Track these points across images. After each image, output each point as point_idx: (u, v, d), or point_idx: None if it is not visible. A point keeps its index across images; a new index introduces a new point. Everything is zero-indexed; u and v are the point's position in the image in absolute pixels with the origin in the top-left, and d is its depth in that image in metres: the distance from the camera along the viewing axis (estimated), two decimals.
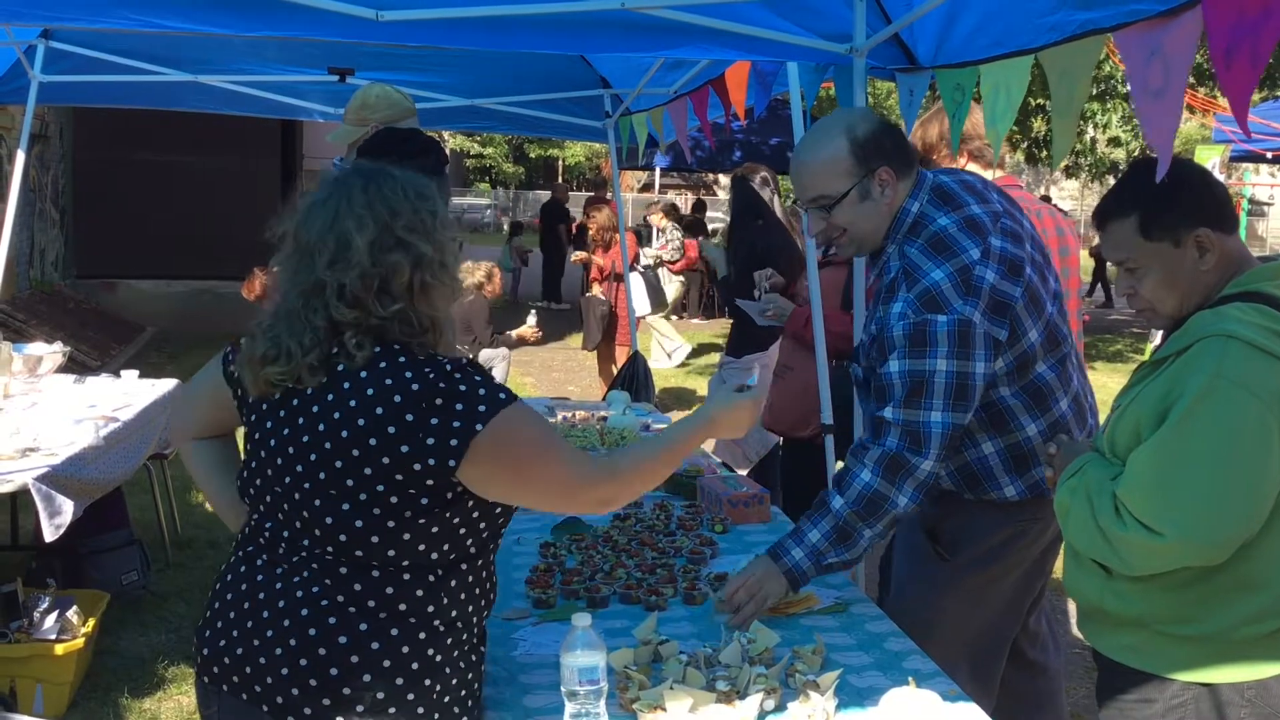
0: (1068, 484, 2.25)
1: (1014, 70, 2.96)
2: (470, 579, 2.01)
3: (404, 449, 1.87)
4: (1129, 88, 2.52)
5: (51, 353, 5.63)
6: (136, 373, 5.68)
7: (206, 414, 2.23)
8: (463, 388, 1.89)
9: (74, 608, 4.16)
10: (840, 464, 4.26)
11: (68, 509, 3.87)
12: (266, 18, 3.45)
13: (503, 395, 1.91)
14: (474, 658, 2.05)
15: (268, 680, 1.91)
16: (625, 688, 2.15)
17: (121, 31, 3.73)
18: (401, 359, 1.92)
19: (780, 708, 2.13)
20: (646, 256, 12.84)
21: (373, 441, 1.87)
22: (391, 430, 1.87)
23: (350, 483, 1.89)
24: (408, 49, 5.00)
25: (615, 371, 8.93)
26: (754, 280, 5.04)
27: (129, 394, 5.19)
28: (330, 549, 1.93)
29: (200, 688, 2.06)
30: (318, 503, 1.92)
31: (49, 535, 3.81)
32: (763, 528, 3.33)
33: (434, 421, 1.87)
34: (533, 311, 8.78)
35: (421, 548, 1.93)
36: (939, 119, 3.64)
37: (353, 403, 1.89)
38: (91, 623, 4.22)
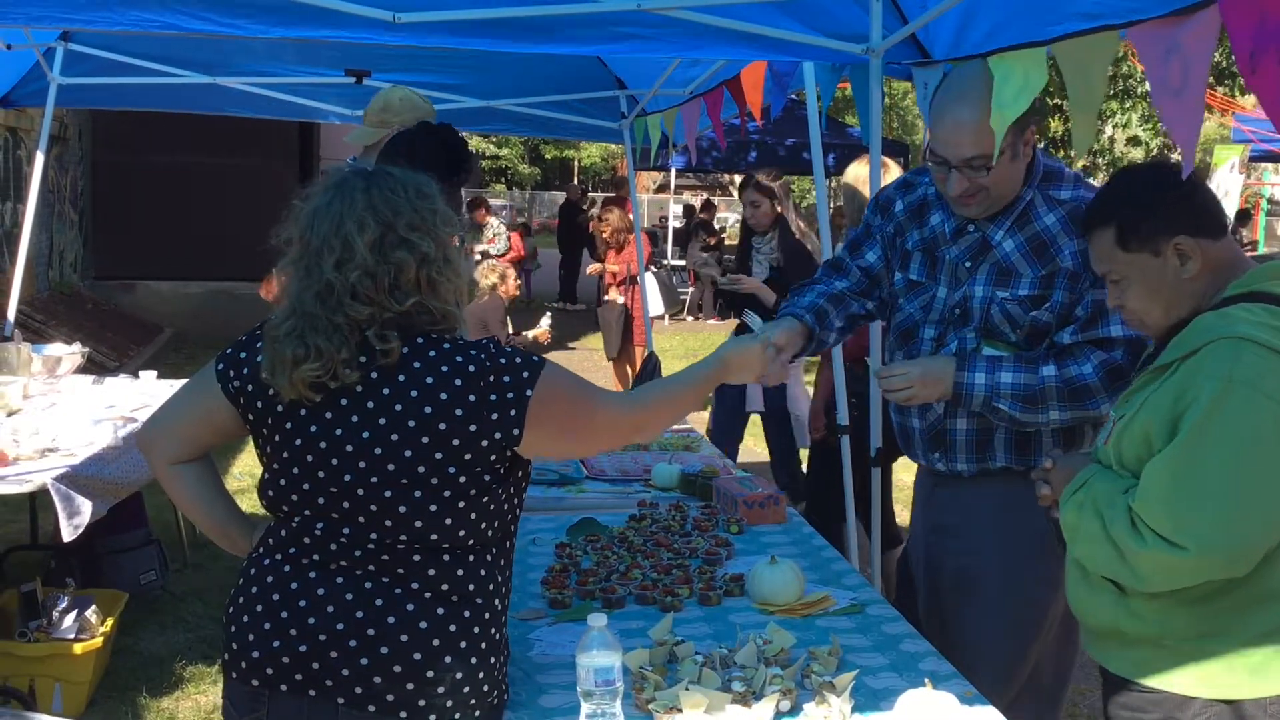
0: (1073, 499, 2.18)
1: (1031, 59, 2.84)
2: (504, 560, 2.13)
3: (472, 428, 1.97)
4: (1148, 86, 2.50)
5: (70, 353, 5.65)
6: (155, 373, 5.70)
7: (194, 437, 2.20)
8: (503, 360, 2.01)
9: (92, 607, 4.18)
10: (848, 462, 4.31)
11: (86, 509, 3.89)
12: (284, 20, 3.47)
13: (535, 359, 2.06)
14: (506, 630, 2.16)
15: (344, 673, 1.95)
16: (641, 688, 2.15)
17: (140, 34, 3.75)
18: (446, 346, 2.01)
19: (796, 709, 2.12)
20: (474, 252, 12.78)
21: (442, 426, 1.96)
22: (459, 413, 1.97)
23: (422, 469, 1.97)
24: (424, 50, 5.02)
25: (630, 372, 8.94)
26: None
27: (147, 395, 5.21)
28: (404, 537, 1.99)
29: (238, 692, 2.04)
30: (389, 494, 1.97)
31: (68, 535, 3.83)
32: (778, 529, 3.32)
33: (493, 398, 1.98)
34: (547, 314, 8.79)
35: (483, 526, 2.04)
36: None
37: (414, 393, 1.97)
38: (110, 622, 4.24)
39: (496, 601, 2.08)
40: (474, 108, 6.32)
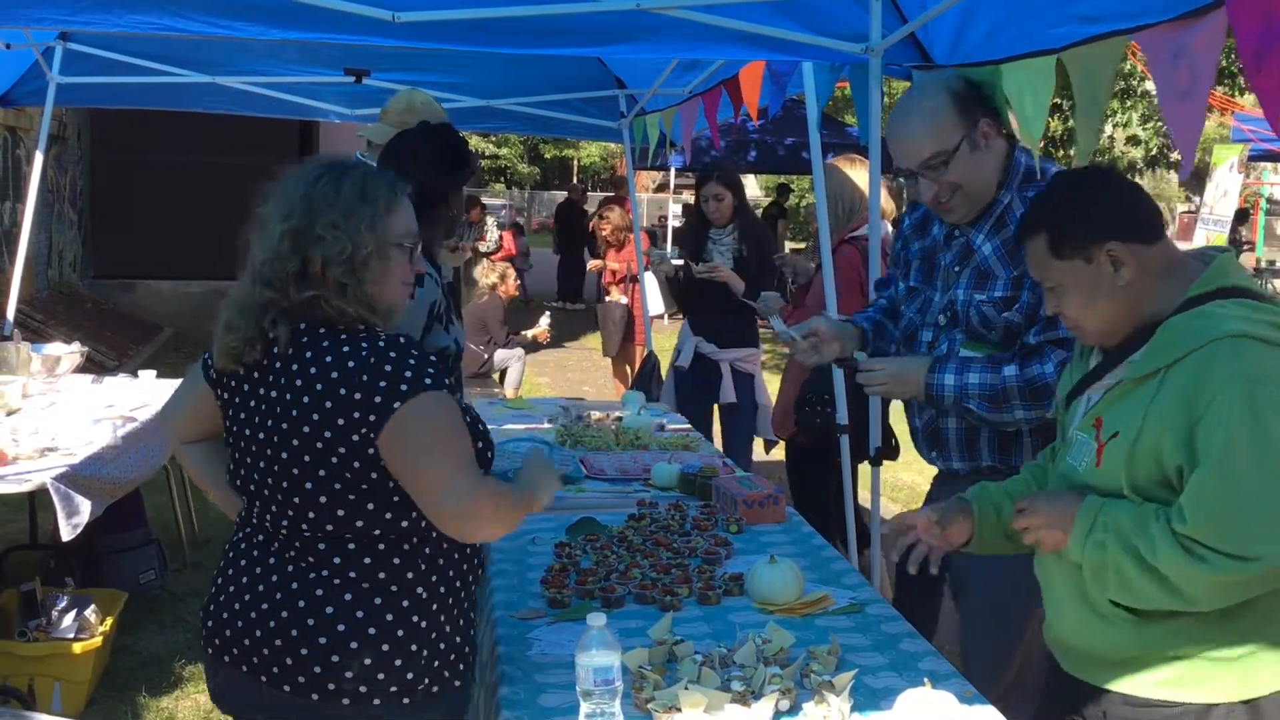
0: (1091, 540, 2.07)
1: (1039, 71, 2.91)
2: (447, 545, 2.12)
3: (340, 422, 1.99)
4: (1152, 87, 2.51)
5: (70, 353, 5.65)
6: (154, 373, 5.70)
7: (195, 417, 2.31)
8: (388, 366, 1.99)
9: (92, 607, 4.18)
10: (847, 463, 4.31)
11: (85, 509, 3.89)
12: (283, 20, 3.47)
13: (427, 380, 2.01)
14: (463, 623, 2.17)
15: (264, 652, 2.05)
16: (640, 688, 2.15)
17: (139, 35, 3.75)
18: (343, 337, 2.04)
19: (795, 708, 2.13)
20: (468, 250, 12.76)
21: (315, 417, 2.00)
22: (329, 405, 1.99)
23: (307, 459, 2.02)
24: (424, 50, 5.02)
25: (630, 372, 8.93)
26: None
27: (147, 394, 5.21)
28: (305, 527, 2.06)
29: (205, 659, 2.22)
30: (285, 484, 2.05)
31: (66, 535, 3.83)
32: (778, 528, 3.32)
33: (359, 396, 1.98)
34: (546, 313, 8.78)
35: (389, 516, 2.05)
36: None
37: (298, 382, 2.02)
38: (109, 622, 4.25)
39: (421, 590, 2.08)
40: (473, 107, 6.32)
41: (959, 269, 2.87)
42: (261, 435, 2.07)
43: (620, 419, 4.68)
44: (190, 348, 12.43)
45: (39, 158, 6.20)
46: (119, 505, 4.45)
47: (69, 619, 4.09)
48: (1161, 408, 2.01)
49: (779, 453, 7.21)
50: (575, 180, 34.24)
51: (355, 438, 2.00)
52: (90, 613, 4.15)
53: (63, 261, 12.54)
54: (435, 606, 2.10)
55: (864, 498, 4.74)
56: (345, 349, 2.02)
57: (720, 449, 4.96)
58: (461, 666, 2.17)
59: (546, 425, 4.61)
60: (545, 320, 8.62)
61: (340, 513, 2.04)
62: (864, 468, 4.23)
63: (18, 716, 2.89)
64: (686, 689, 2.09)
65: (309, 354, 2.03)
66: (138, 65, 5.56)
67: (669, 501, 3.49)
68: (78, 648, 4.01)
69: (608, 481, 3.81)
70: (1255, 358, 1.95)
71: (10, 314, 6.15)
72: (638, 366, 7.59)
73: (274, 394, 2.05)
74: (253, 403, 2.10)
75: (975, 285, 2.82)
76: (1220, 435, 1.93)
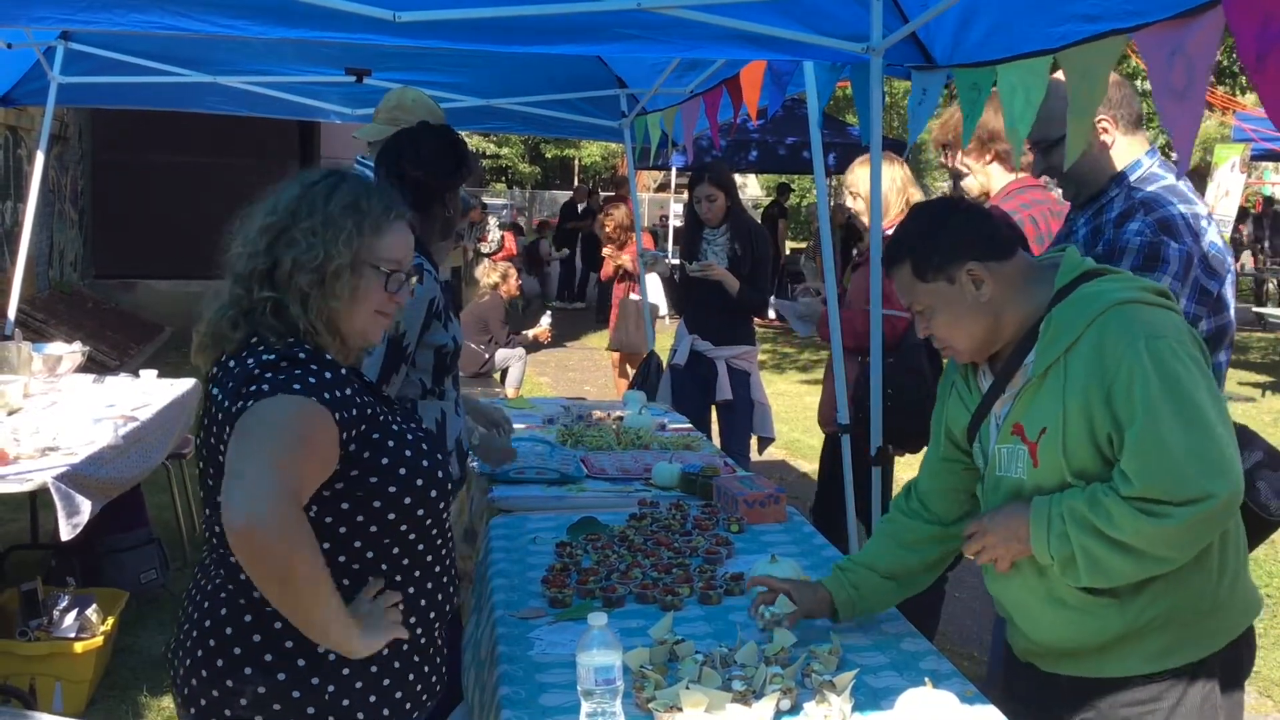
0: (1052, 537, 2.11)
1: (1032, 71, 2.94)
2: (370, 578, 1.99)
3: (224, 431, 1.91)
4: (1148, 86, 2.51)
5: (71, 352, 5.66)
6: (155, 372, 5.70)
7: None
8: (256, 370, 1.90)
9: (93, 606, 4.18)
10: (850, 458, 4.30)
11: (85, 508, 3.89)
12: (284, 20, 3.47)
13: (296, 386, 1.87)
14: (396, 664, 2.01)
15: (180, 671, 2.00)
16: (641, 687, 2.15)
17: (140, 34, 3.75)
18: (260, 349, 1.96)
19: (796, 708, 2.13)
20: (469, 250, 12.73)
21: (216, 428, 1.95)
22: (219, 415, 1.94)
23: (213, 470, 1.96)
24: (425, 50, 5.02)
25: (632, 372, 8.92)
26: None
27: (148, 393, 5.21)
28: (219, 536, 1.97)
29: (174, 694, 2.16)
30: (201, 494, 2.03)
31: (66, 534, 3.83)
32: (779, 527, 3.33)
33: (226, 403, 1.92)
34: (548, 313, 8.77)
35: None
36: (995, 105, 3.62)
37: (215, 389, 1.99)
38: (110, 621, 4.25)
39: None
40: (474, 106, 6.32)
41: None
42: (201, 434, 2.05)
43: (621, 418, 4.68)
44: (190, 347, 12.43)
45: (40, 157, 6.20)
46: (120, 505, 4.45)
47: (70, 618, 4.09)
48: (1075, 388, 2.09)
49: (778, 452, 7.24)
50: (576, 179, 34.22)
51: (224, 433, 1.93)
52: (91, 612, 4.15)
53: (64, 261, 12.55)
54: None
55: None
56: (248, 359, 1.94)
57: (718, 447, 4.96)
58: (388, 713, 2.01)
59: (547, 425, 4.62)
60: (546, 320, 8.62)
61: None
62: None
63: (19, 716, 2.89)
64: (688, 688, 2.09)
65: (231, 362, 1.99)
66: (139, 65, 5.56)
67: (670, 501, 3.50)
68: (79, 647, 4.01)
69: (609, 481, 3.81)
70: (1142, 317, 2.07)
71: (11, 313, 6.15)
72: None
73: (209, 397, 2.02)
74: (206, 399, 2.07)
75: None
76: (1137, 392, 2.02)
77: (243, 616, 1.95)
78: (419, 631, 2.07)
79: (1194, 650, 2.17)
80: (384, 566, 2.04)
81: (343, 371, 2.00)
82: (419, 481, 2.04)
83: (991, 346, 2.27)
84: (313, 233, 1.99)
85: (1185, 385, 2.02)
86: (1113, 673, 2.20)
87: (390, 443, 2.02)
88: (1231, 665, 2.24)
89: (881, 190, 4.00)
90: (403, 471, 2.02)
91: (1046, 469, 2.16)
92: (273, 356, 1.93)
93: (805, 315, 4.80)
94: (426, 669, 2.11)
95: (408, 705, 2.06)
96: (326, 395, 1.90)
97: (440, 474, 2.11)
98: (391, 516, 2.01)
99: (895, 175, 4.53)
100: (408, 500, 2.02)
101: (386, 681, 2.02)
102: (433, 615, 2.11)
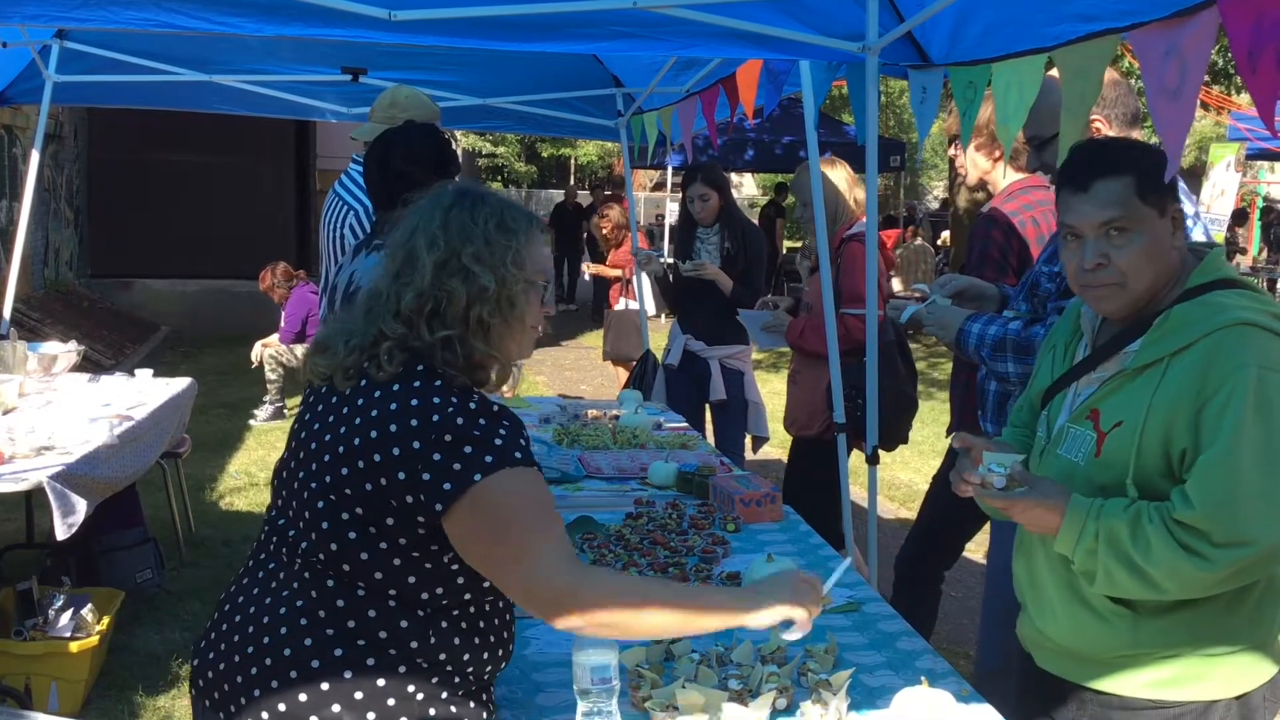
0: (1082, 547, 2.03)
1: (1027, 69, 2.95)
2: (465, 625, 1.92)
3: (400, 475, 1.81)
4: (1143, 85, 2.52)
5: (66, 352, 5.65)
6: (151, 371, 5.69)
7: None
8: (477, 432, 1.81)
9: (89, 606, 4.17)
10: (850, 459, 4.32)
11: (81, 508, 3.88)
12: (280, 18, 3.47)
13: (518, 455, 1.82)
14: (472, 704, 1.94)
15: (242, 701, 1.86)
16: (637, 686, 2.16)
17: (136, 31, 3.74)
18: (437, 383, 1.86)
19: (792, 707, 2.13)
20: None
21: (376, 458, 1.82)
22: (395, 452, 1.81)
23: (349, 491, 1.85)
24: (421, 48, 5.02)
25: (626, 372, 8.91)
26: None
27: (143, 393, 5.21)
28: (322, 556, 1.87)
29: (192, 696, 2.03)
30: (321, 505, 1.88)
31: (61, 534, 3.82)
32: (775, 527, 3.33)
33: (436, 457, 1.79)
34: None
35: (411, 580, 1.86)
36: (986, 104, 3.62)
37: (374, 413, 1.85)
38: (106, 620, 4.24)
39: (421, 661, 1.87)
40: (471, 105, 6.32)
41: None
42: (314, 445, 1.91)
43: (617, 417, 4.68)
44: (187, 346, 12.43)
45: (35, 156, 6.19)
46: (116, 504, 4.45)
47: (66, 618, 4.09)
48: (1168, 394, 1.99)
49: (773, 451, 7.22)
50: (573, 178, 34.21)
51: (421, 496, 1.80)
52: (87, 612, 4.14)
53: (59, 260, 12.53)
54: (437, 681, 1.89)
55: (859, 495, 4.75)
56: (435, 399, 1.83)
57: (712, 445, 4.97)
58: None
59: (543, 424, 4.62)
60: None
61: (363, 555, 1.85)
62: (863, 467, 4.23)
63: (15, 716, 2.88)
64: (684, 688, 2.09)
65: (396, 386, 1.86)
66: (134, 64, 5.55)
67: (666, 500, 3.50)
68: (75, 647, 4.00)
69: (605, 480, 3.81)
70: (1263, 345, 1.96)
71: (7, 312, 6.14)
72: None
73: (346, 411, 1.89)
74: (325, 415, 1.93)
75: (1049, 258, 2.97)
76: (1229, 420, 1.92)
77: (332, 651, 1.86)
78: (473, 673, 1.96)
79: (1205, 689, 2.07)
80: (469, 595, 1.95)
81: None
82: None
83: (1140, 306, 2.10)
84: (478, 259, 1.88)
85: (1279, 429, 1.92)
86: (1109, 688, 2.14)
87: None
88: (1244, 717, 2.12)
89: (867, 194, 4.03)
90: None
91: (1108, 463, 2.07)
92: (467, 406, 1.84)
93: (771, 327, 4.81)
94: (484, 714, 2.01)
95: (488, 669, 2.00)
96: (529, 453, 1.86)
97: None
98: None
99: (840, 177, 4.63)
100: None
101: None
102: (489, 665, 2.02)
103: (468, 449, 1.79)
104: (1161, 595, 2.01)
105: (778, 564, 2.71)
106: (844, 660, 2.34)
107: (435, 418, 1.81)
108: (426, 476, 1.79)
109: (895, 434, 4.52)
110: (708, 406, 5.74)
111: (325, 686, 1.82)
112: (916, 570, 4.03)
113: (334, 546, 1.86)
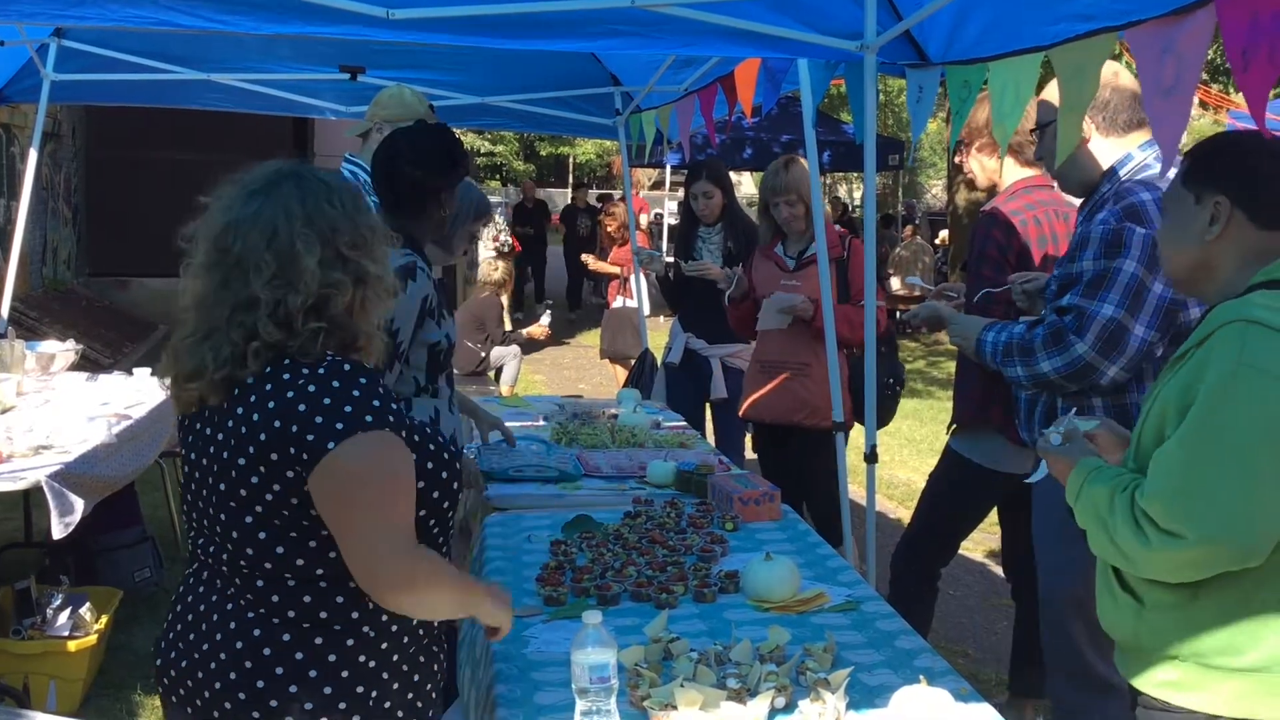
0: (1078, 505, 2.15)
1: (1023, 68, 2.96)
2: None
3: (274, 456, 1.84)
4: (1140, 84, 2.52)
5: (64, 350, 5.65)
6: (149, 370, 5.68)
7: None
8: (328, 400, 1.83)
9: (87, 604, 4.17)
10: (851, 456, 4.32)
11: (79, 507, 3.87)
12: (277, 16, 3.47)
13: (369, 419, 1.84)
14: (422, 659, 2.04)
15: (206, 695, 1.94)
16: (636, 685, 2.15)
17: (133, 30, 3.74)
18: (304, 371, 1.87)
19: (791, 706, 2.13)
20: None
21: (252, 450, 1.85)
22: (263, 438, 1.84)
23: (243, 493, 1.87)
24: (419, 47, 5.02)
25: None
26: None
27: (141, 391, 5.20)
28: (243, 562, 1.92)
29: (159, 694, 2.10)
30: (223, 516, 1.92)
31: (58, 533, 3.82)
32: (774, 525, 3.32)
33: (294, 430, 1.83)
34: (547, 311, 8.75)
35: (333, 555, 1.89)
36: (984, 106, 3.63)
37: (239, 410, 1.88)
38: (104, 619, 4.24)
39: (367, 630, 1.94)
40: (469, 104, 6.32)
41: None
42: (204, 462, 1.94)
43: (616, 416, 4.68)
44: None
45: (33, 155, 6.18)
46: (114, 503, 4.44)
47: (64, 617, 4.08)
48: (1172, 384, 2.05)
49: None
50: (571, 178, 34.20)
51: (289, 474, 1.84)
52: (85, 610, 4.14)
53: (57, 259, 12.52)
54: (386, 646, 1.96)
55: (857, 494, 4.75)
56: (300, 382, 1.85)
57: (713, 444, 4.96)
58: (421, 705, 2.04)
59: (542, 423, 4.62)
60: (546, 318, 8.60)
61: (279, 550, 1.89)
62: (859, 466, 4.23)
63: (13, 715, 2.88)
64: (682, 686, 2.09)
65: (268, 385, 1.88)
66: (132, 62, 5.55)
67: (665, 499, 3.49)
68: (73, 646, 4.00)
69: (604, 479, 3.81)
70: (1256, 343, 1.93)
71: (4, 311, 6.14)
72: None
73: (220, 419, 1.92)
74: (204, 432, 1.96)
75: (1064, 260, 3.01)
76: (1193, 412, 1.96)
77: (280, 636, 1.92)
78: (420, 632, 2.05)
79: (1204, 700, 2.04)
80: None
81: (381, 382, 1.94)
82: (435, 494, 2.02)
83: (1188, 285, 2.21)
84: (355, 246, 1.91)
85: (1245, 424, 1.90)
86: (1130, 678, 2.16)
87: (415, 453, 1.97)
88: None
89: (865, 192, 4.04)
90: (421, 484, 1.97)
91: (1136, 444, 2.16)
92: (332, 378, 1.87)
93: (794, 310, 4.74)
94: (435, 667, 2.11)
95: (426, 699, 2.08)
96: (392, 419, 1.87)
97: (455, 485, 2.07)
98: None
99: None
100: (421, 512, 1.98)
101: (416, 678, 2.04)
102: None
103: (319, 419, 1.82)
104: (1130, 567, 2.08)
105: (776, 562, 2.72)
106: (842, 659, 2.34)
107: (290, 394, 1.85)
108: (292, 451, 1.83)
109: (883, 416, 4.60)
110: (708, 405, 5.74)
111: (280, 670, 1.90)
112: (913, 568, 4.04)
113: (250, 551, 1.91)
